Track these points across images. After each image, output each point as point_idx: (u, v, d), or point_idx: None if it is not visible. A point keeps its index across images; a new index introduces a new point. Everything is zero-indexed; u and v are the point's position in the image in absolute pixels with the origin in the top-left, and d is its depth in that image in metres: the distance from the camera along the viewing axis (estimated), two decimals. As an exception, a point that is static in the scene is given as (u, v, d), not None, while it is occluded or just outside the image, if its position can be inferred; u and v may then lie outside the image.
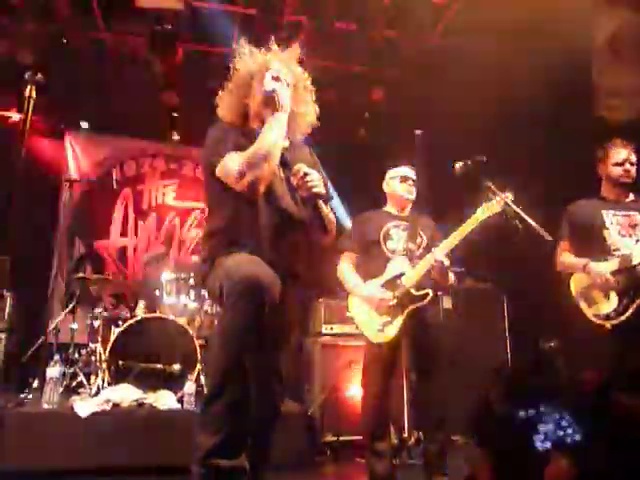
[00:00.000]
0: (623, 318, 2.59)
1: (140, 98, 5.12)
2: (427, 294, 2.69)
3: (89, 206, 5.45)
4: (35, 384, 3.69)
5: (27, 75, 1.92)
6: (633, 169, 2.84)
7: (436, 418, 2.68)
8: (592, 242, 2.77)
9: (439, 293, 2.92)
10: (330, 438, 3.84)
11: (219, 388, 1.59)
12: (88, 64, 4.86)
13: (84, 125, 5.29)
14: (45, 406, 3.23)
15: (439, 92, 4.75)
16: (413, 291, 2.71)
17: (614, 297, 2.66)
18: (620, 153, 2.85)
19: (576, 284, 2.81)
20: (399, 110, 5.24)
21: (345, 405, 3.92)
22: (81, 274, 4.25)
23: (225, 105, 2.07)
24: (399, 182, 2.99)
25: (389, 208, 3.05)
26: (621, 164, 2.83)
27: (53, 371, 3.33)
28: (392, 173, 3.06)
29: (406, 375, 3.07)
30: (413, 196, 2.98)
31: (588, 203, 2.91)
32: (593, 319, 2.69)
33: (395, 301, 2.70)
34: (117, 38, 4.71)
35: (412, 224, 2.91)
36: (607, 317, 2.65)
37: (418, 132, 4.45)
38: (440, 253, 2.63)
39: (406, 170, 3.02)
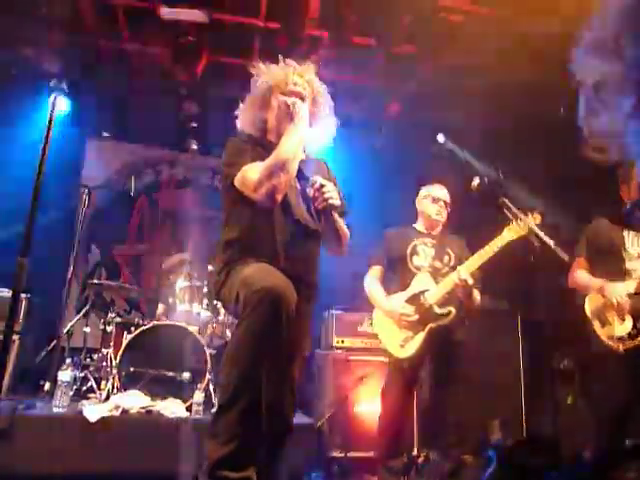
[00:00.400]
0: (637, 342, 2.57)
1: (160, 107, 5.20)
2: (450, 312, 2.69)
3: (106, 212, 5.52)
4: (47, 387, 3.72)
5: (52, 83, 1.97)
6: None
7: (454, 436, 2.69)
8: (610, 262, 2.74)
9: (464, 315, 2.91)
10: (338, 454, 3.80)
11: (232, 398, 1.59)
12: (111, 73, 4.95)
13: (105, 134, 5.37)
14: (55, 410, 3.24)
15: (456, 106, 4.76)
16: (436, 308, 2.71)
17: (629, 320, 2.62)
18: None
19: (591, 304, 2.78)
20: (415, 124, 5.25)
21: (354, 421, 3.88)
22: (96, 279, 4.29)
23: (244, 118, 2.11)
24: (431, 202, 3.02)
25: (419, 225, 3.09)
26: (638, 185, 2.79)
27: (65, 375, 3.35)
28: (425, 192, 3.10)
29: (427, 391, 3.08)
30: (443, 218, 3.01)
31: (609, 222, 2.87)
32: (606, 341, 2.66)
33: (417, 317, 2.71)
34: (140, 48, 4.79)
35: (440, 241, 2.93)
36: (620, 339, 2.62)
37: (441, 138, 4.41)
38: (464, 272, 2.65)
39: (438, 191, 3.05)
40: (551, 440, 2.61)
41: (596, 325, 2.73)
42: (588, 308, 2.79)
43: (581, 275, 2.85)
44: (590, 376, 2.87)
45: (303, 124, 1.89)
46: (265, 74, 2.08)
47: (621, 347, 2.61)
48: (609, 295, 2.67)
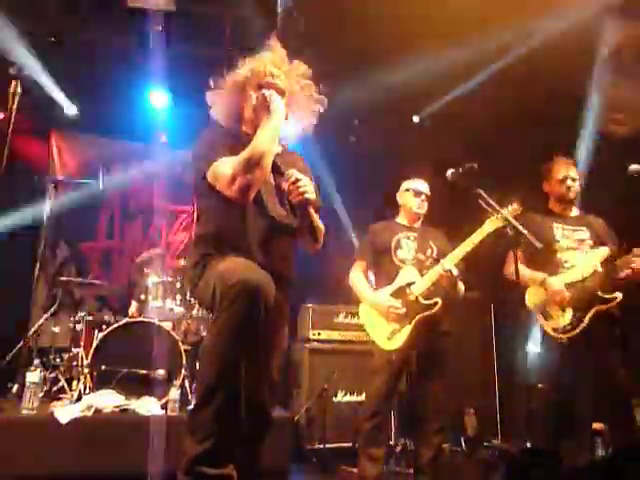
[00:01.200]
0: (578, 330, 2.68)
1: (128, 99, 5.06)
2: (436, 303, 2.75)
3: (74, 208, 5.35)
4: (14, 389, 3.60)
5: (12, 70, 1.87)
6: (575, 185, 2.97)
7: (435, 423, 2.76)
8: (544, 255, 2.81)
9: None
10: (316, 445, 3.80)
11: (210, 393, 1.55)
12: (76, 63, 4.78)
13: (71, 110, 5.12)
14: (24, 412, 3.14)
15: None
16: (422, 300, 2.77)
17: (569, 311, 2.73)
18: (562, 171, 2.99)
19: (532, 298, 2.88)
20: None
21: (332, 412, 3.89)
22: (64, 277, 4.17)
23: (219, 109, 2.05)
24: (412, 196, 3.06)
25: (401, 219, 3.16)
26: (563, 181, 2.97)
27: (33, 376, 3.25)
28: (406, 185, 3.14)
29: (408, 380, 3.15)
30: (424, 210, 3.08)
31: (539, 216, 2.96)
32: (551, 333, 2.76)
33: (404, 310, 2.75)
34: (105, 36, 4.65)
35: (422, 234, 3.01)
36: (564, 330, 2.72)
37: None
38: (449, 263, 2.70)
39: (420, 184, 3.10)
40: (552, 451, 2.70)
41: (540, 318, 2.82)
42: (529, 301, 2.88)
43: (522, 269, 2.86)
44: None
45: (279, 117, 1.84)
46: (242, 65, 2.03)
47: (565, 338, 2.70)
48: (550, 288, 2.75)
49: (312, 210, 1.94)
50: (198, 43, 4.71)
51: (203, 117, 2.12)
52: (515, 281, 2.67)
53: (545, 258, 2.83)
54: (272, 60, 2.01)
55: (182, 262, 4.46)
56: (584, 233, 2.89)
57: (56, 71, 4.75)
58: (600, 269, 2.70)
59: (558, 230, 2.90)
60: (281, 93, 1.93)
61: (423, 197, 3.07)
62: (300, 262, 2.04)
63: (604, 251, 2.77)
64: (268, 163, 1.80)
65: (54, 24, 4.38)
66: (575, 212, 3.05)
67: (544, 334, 2.80)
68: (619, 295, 2.66)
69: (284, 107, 1.89)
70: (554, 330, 2.75)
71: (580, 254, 2.82)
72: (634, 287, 2.66)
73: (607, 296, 2.67)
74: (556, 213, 3.03)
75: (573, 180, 2.97)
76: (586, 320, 2.67)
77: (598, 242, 2.85)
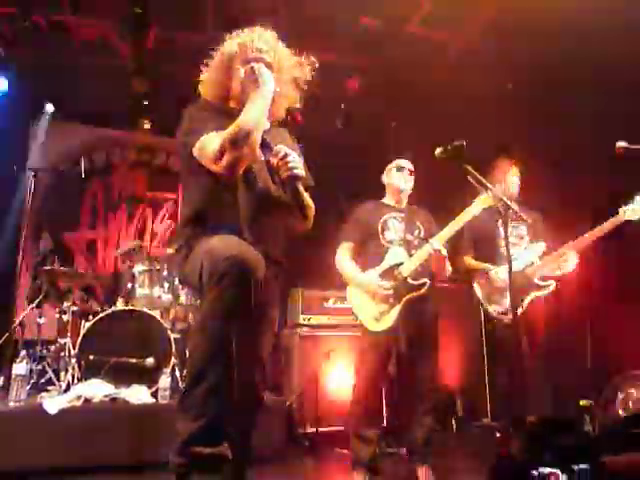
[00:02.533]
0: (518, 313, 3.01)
1: (110, 85, 4.94)
2: (424, 283, 2.73)
3: (56, 197, 5.25)
4: (1, 382, 3.54)
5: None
6: (514, 187, 3.28)
7: (427, 403, 2.76)
8: (489, 249, 3.24)
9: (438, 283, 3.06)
10: (309, 429, 3.81)
11: (201, 372, 1.52)
12: (54, 48, 4.66)
13: (49, 108, 5.05)
14: (12, 404, 3.09)
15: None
16: (410, 280, 2.75)
17: (508, 296, 3.02)
18: (505, 171, 3.28)
19: (480, 286, 3.24)
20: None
21: (324, 396, 3.89)
22: (48, 267, 4.09)
23: (206, 84, 2.00)
24: (396, 171, 3.05)
25: (387, 200, 3.12)
26: (512, 182, 3.24)
27: (19, 368, 3.20)
28: (389, 165, 3.13)
29: (397, 361, 3.15)
30: (409, 185, 3.05)
31: (486, 214, 3.02)
32: (495, 315, 3.15)
33: (392, 290, 2.73)
34: (85, 21, 4.52)
35: (409, 215, 2.98)
36: (505, 313, 3.09)
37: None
38: (437, 243, 2.69)
39: (402, 161, 3.10)
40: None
41: (486, 305, 3.18)
42: (478, 292, 3.23)
43: (469, 260, 3.32)
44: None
45: (268, 90, 1.78)
46: (229, 39, 1.98)
47: (506, 319, 3.07)
48: (494, 279, 3.12)
49: (301, 187, 1.90)
50: (180, 27, 4.62)
51: (187, 103, 2.06)
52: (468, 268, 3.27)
53: (490, 251, 3.22)
54: (259, 35, 1.96)
55: (168, 250, 4.41)
56: (524, 229, 3.23)
57: (32, 57, 4.63)
58: (537, 261, 3.10)
59: (502, 227, 3.14)
60: (269, 67, 1.87)
61: (407, 172, 3.03)
62: (289, 246, 2.01)
63: (541, 246, 3.14)
64: (256, 138, 1.74)
65: (29, 6, 4.24)
66: (516, 208, 3.13)
67: (490, 317, 3.19)
68: (553, 283, 3.07)
69: (273, 81, 1.83)
70: (497, 313, 3.14)
71: (519, 249, 3.17)
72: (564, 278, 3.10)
73: (542, 282, 3.07)
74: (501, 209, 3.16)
75: (515, 181, 3.29)
76: (524, 304, 3.04)
77: (535, 237, 3.21)
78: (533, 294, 3.07)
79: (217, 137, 1.71)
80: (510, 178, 3.29)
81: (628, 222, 2.95)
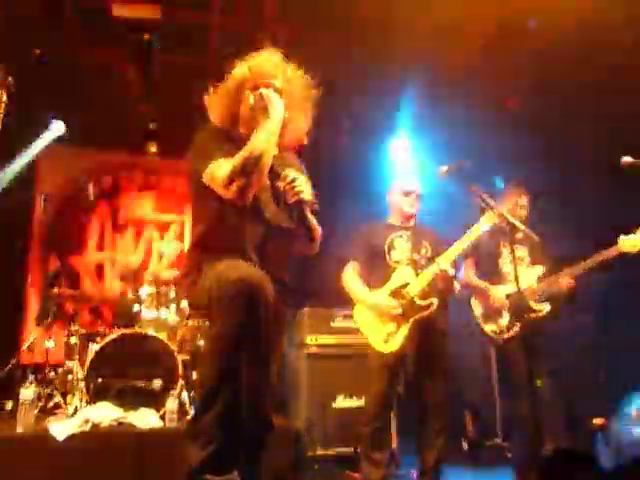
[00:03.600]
0: (513, 333, 3.09)
1: (117, 110, 5.02)
2: (432, 304, 2.73)
3: (64, 221, 5.30)
4: (9, 406, 3.53)
5: (-2, 78, 1.84)
6: (522, 212, 3.32)
7: (437, 424, 2.73)
8: (490, 268, 3.30)
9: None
10: (318, 452, 3.76)
11: (211, 396, 1.52)
12: (62, 75, 4.75)
13: (57, 127, 5.07)
14: (19, 430, 3.08)
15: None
16: (418, 301, 2.74)
17: (506, 316, 3.15)
18: (513, 199, 3.31)
19: (477, 306, 3.28)
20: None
21: (332, 417, 3.85)
22: (56, 290, 4.11)
23: (215, 109, 2.01)
24: (402, 196, 3.04)
25: (392, 219, 3.10)
26: (513, 209, 3.24)
27: (27, 392, 3.19)
28: (395, 185, 3.13)
29: (405, 382, 3.12)
30: (415, 209, 3.03)
31: (489, 232, 3.05)
32: (490, 334, 3.19)
33: (400, 310, 2.73)
34: (92, 48, 4.62)
35: (415, 234, 2.98)
36: (501, 332, 3.15)
37: None
38: (444, 262, 2.68)
39: (409, 184, 3.08)
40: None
41: (481, 322, 3.23)
42: (475, 308, 3.27)
43: (470, 275, 3.34)
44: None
45: (277, 117, 1.80)
46: (237, 66, 2.00)
47: (500, 339, 3.14)
48: (492, 296, 3.16)
49: (308, 211, 1.91)
50: (184, 52, 4.70)
51: (194, 126, 2.09)
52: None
53: (491, 270, 3.28)
54: (268, 60, 1.98)
55: (176, 272, 4.42)
56: (524, 252, 3.29)
57: (41, 84, 4.72)
58: (535, 285, 3.17)
59: (505, 248, 3.27)
60: (279, 93, 1.88)
61: (413, 196, 3.03)
62: (294, 264, 2.02)
63: (539, 269, 3.22)
64: (266, 164, 1.76)
65: (38, 35, 4.33)
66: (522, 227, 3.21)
67: (483, 335, 3.23)
68: (547, 307, 3.11)
69: (283, 107, 1.85)
70: (492, 332, 3.18)
71: (520, 269, 3.12)
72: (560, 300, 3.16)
73: (537, 306, 3.11)
74: (504, 231, 3.17)
75: (522, 208, 3.34)
76: (519, 325, 3.06)
77: (534, 260, 3.28)
78: (526, 316, 3.10)
79: (227, 163, 1.72)
80: (520, 201, 3.34)
81: (624, 254, 2.96)
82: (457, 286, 2.87)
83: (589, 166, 4.00)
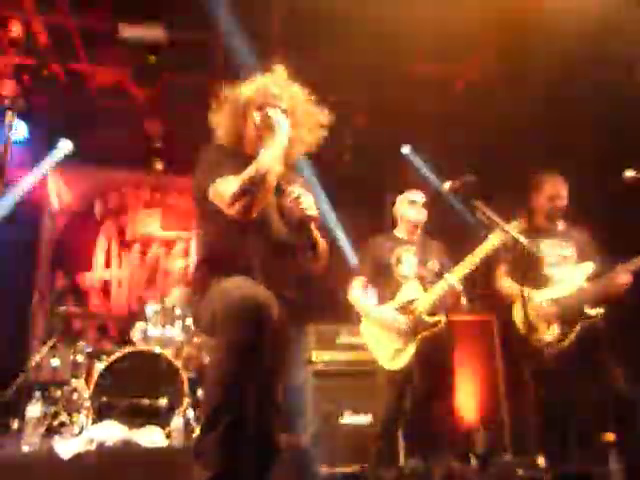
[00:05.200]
0: (562, 346, 2.72)
1: (123, 128, 5.09)
2: (439, 321, 2.71)
3: (71, 238, 5.34)
4: (15, 425, 3.53)
5: (8, 102, 1.88)
6: (562, 202, 2.98)
7: (444, 440, 2.70)
8: (529, 270, 2.84)
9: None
10: (325, 469, 3.72)
11: (216, 415, 1.51)
12: (69, 95, 4.82)
13: (65, 146, 5.11)
14: (25, 448, 3.07)
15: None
16: (426, 317, 2.72)
17: (555, 325, 2.76)
18: (552, 188, 2.98)
19: (518, 312, 2.89)
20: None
21: (339, 435, 3.81)
22: (63, 308, 4.12)
23: (221, 127, 2.03)
24: (408, 206, 3.05)
25: (399, 232, 3.09)
26: (552, 199, 2.97)
27: (33, 410, 3.19)
28: (401, 197, 3.14)
29: (413, 398, 3.09)
30: (423, 219, 3.03)
31: (526, 231, 2.90)
32: (539, 346, 2.78)
33: (408, 326, 2.71)
34: (97, 69, 4.70)
35: (423, 248, 2.95)
36: (549, 345, 2.75)
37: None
38: (452, 278, 2.66)
39: (415, 194, 3.09)
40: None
41: (525, 332, 2.82)
42: (516, 316, 2.91)
43: (505, 282, 3.00)
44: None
45: (283, 137, 1.82)
46: (243, 86, 2.03)
47: (551, 351, 2.74)
48: (533, 303, 2.79)
49: (314, 227, 1.92)
50: (189, 72, 4.77)
51: (199, 144, 2.11)
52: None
53: (531, 274, 2.85)
54: (274, 80, 2.01)
55: (181, 289, 4.43)
56: (569, 248, 2.93)
57: (48, 103, 4.79)
58: (585, 285, 2.77)
59: (544, 246, 2.93)
60: (285, 114, 1.91)
61: (419, 205, 3.04)
62: (299, 280, 2.02)
63: (588, 267, 2.82)
64: (271, 182, 1.78)
65: (45, 56, 4.42)
66: (561, 226, 3.05)
67: (532, 349, 2.83)
68: (602, 310, 2.73)
69: (288, 127, 1.87)
70: (538, 343, 2.79)
71: (565, 270, 2.86)
72: (616, 301, 2.74)
73: (591, 311, 2.73)
74: (542, 228, 3.03)
75: (562, 198, 2.99)
76: (572, 335, 2.71)
77: (583, 257, 2.89)
78: (580, 323, 2.73)
79: (233, 181, 1.74)
80: (555, 200, 2.98)
81: None
82: (465, 302, 2.85)
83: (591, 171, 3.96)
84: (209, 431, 1.51)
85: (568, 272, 2.86)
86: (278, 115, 1.85)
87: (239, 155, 1.94)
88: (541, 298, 2.81)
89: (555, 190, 2.99)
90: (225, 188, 1.75)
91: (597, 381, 2.70)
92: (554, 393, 2.79)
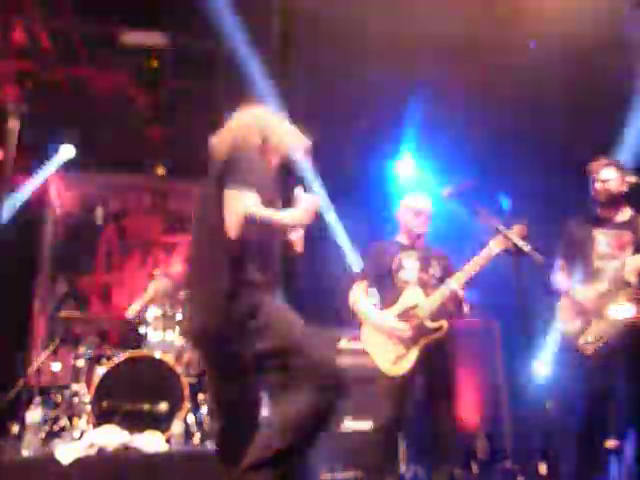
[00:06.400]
0: (603, 343, 2.61)
1: (125, 133, 5.10)
2: (441, 327, 2.69)
3: (73, 242, 5.35)
4: (15, 430, 3.52)
5: (10, 106, 1.89)
6: (608, 186, 2.81)
7: (445, 447, 2.68)
8: (580, 264, 2.79)
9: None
10: (325, 476, 3.70)
11: (282, 458, 1.63)
12: (71, 100, 4.84)
13: (66, 151, 5.12)
14: (25, 453, 3.06)
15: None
16: (428, 323, 2.70)
17: (599, 322, 2.64)
18: (601, 173, 2.82)
19: (563, 308, 2.82)
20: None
21: (339, 441, 3.80)
22: (64, 312, 4.12)
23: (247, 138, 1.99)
24: (412, 216, 2.97)
25: (401, 238, 3.05)
26: (600, 183, 2.82)
27: (34, 415, 3.19)
28: (406, 203, 3.04)
29: (414, 405, 3.07)
30: (425, 229, 2.98)
31: (582, 222, 2.90)
32: (578, 344, 2.68)
33: (409, 332, 2.69)
34: (99, 74, 4.72)
35: (424, 253, 2.92)
36: (590, 342, 2.64)
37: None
38: (455, 284, 2.65)
39: (420, 203, 3.00)
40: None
41: (567, 329, 2.76)
42: (560, 312, 2.83)
43: (559, 278, 2.89)
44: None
45: (308, 215, 1.80)
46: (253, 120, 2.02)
47: (590, 350, 2.63)
48: (578, 298, 2.71)
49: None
50: (191, 78, 4.78)
51: (201, 148, 2.12)
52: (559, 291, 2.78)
53: (581, 267, 2.77)
54: (259, 126, 2.01)
55: (164, 280, 4.44)
56: (627, 238, 2.74)
57: (50, 108, 4.81)
58: (633, 278, 2.60)
59: (599, 236, 2.78)
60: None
61: (423, 217, 2.99)
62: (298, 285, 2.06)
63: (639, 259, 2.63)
64: (284, 234, 1.94)
65: (47, 61, 4.44)
66: (623, 215, 2.85)
67: (570, 349, 2.73)
68: None
69: (315, 202, 1.86)
70: (582, 340, 2.67)
71: (618, 262, 2.68)
72: None
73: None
74: (600, 218, 2.87)
75: (605, 182, 2.81)
76: (613, 332, 2.58)
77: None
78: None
79: (255, 203, 1.72)
80: (602, 184, 2.82)
81: None
82: (467, 309, 2.84)
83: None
84: (266, 468, 1.62)
85: (618, 265, 2.68)
86: (305, 196, 1.86)
87: (264, 167, 1.96)
88: (585, 294, 2.69)
89: (599, 174, 2.82)
90: (247, 204, 1.70)
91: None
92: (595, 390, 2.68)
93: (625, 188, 2.80)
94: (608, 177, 2.81)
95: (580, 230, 2.87)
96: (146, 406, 3.43)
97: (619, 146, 4.12)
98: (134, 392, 3.46)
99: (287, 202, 1.90)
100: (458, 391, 2.83)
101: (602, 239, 2.78)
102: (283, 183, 2.04)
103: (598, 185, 2.83)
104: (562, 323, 2.80)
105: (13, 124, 1.86)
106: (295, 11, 4.06)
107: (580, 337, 2.67)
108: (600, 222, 2.86)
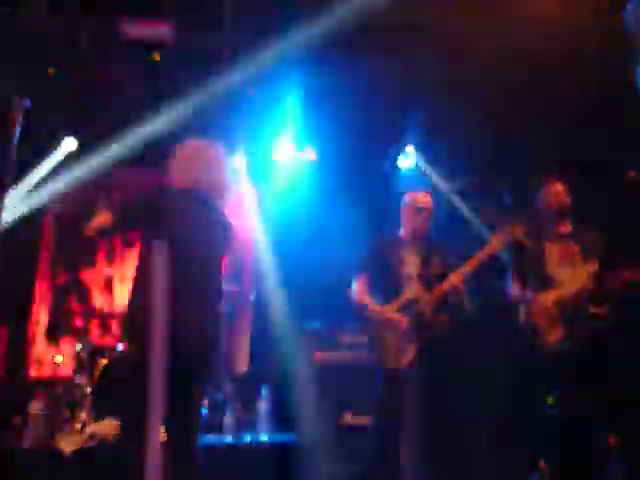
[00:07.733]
0: (569, 345, 2.71)
1: (126, 127, 5.08)
2: (442, 321, 2.72)
3: (74, 235, 5.35)
4: (17, 421, 3.54)
5: (13, 100, 1.89)
6: (564, 202, 2.94)
7: (445, 442, 2.71)
8: (534, 272, 2.88)
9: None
10: (326, 469, 3.72)
11: None
12: (73, 93, 4.83)
13: (69, 143, 5.12)
14: (27, 444, 3.09)
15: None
16: (428, 317, 2.72)
17: (558, 327, 2.75)
18: (555, 186, 2.96)
19: (524, 314, 2.90)
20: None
21: (341, 434, 3.81)
22: (66, 304, 4.14)
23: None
24: (414, 213, 2.99)
25: (403, 233, 3.08)
26: (555, 197, 2.94)
27: (35, 406, 3.21)
28: (408, 199, 3.06)
29: (415, 398, 3.08)
30: (427, 226, 3.01)
31: (528, 234, 2.95)
32: (541, 351, 2.79)
33: (410, 326, 2.72)
34: (103, 67, 4.71)
35: (426, 248, 2.93)
36: (554, 345, 2.74)
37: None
38: (456, 279, 2.67)
39: (422, 200, 3.02)
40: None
41: (529, 334, 2.84)
42: (522, 318, 2.91)
43: (514, 288, 2.99)
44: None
45: None
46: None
47: (552, 356, 2.74)
48: (536, 306, 2.79)
49: None
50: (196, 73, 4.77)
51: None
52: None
53: (534, 276, 2.87)
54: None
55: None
56: (575, 248, 2.90)
57: (53, 102, 4.80)
58: (589, 284, 2.74)
59: (549, 246, 2.93)
60: None
61: (425, 214, 3.01)
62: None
63: (593, 266, 2.78)
64: None
65: (50, 55, 4.43)
66: (567, 226, 3.01)
67: (534, 350, 2.83)
68: (605, 309, 2.71)
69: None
70: (546, 345, 2.78)
71: (570, 270, 2.83)
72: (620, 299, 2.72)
73: (596, 311, 2.71)
74: (548, 228, 3.00)
75: (561, 198, 2.97)
76: (576, 335, 2.71)
77: (588, 256, 2.85)
78: (585, 323, 2.73)
79: None
80: (554, 189, 2.98)
81: None
82: (468, 304, 2.85)
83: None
84: None
85: (572, 272, 2.82)
86: None
87: None
88: (543, 301, 2.80)
89: (553, 191, 2.98)
90: None
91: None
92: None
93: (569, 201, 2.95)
94: (566, 194, 2.95)
95: (529, 236, 2.92)
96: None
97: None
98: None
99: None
100: (457, 384, 2.83)
101: (552, 249, 2.89)
102: None
103: (550, 198, 2.95)
104: (530, 329, 2.85)
105: (16, 117, 1.87)
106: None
107: (545, 340, 2.76)
108: (548, 232, 2.94)
